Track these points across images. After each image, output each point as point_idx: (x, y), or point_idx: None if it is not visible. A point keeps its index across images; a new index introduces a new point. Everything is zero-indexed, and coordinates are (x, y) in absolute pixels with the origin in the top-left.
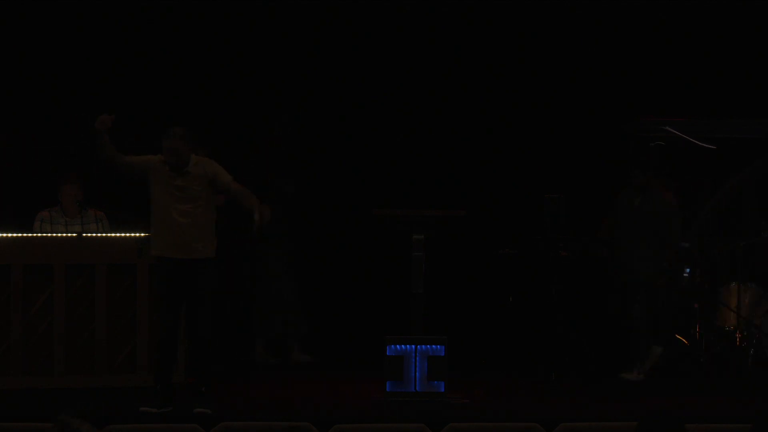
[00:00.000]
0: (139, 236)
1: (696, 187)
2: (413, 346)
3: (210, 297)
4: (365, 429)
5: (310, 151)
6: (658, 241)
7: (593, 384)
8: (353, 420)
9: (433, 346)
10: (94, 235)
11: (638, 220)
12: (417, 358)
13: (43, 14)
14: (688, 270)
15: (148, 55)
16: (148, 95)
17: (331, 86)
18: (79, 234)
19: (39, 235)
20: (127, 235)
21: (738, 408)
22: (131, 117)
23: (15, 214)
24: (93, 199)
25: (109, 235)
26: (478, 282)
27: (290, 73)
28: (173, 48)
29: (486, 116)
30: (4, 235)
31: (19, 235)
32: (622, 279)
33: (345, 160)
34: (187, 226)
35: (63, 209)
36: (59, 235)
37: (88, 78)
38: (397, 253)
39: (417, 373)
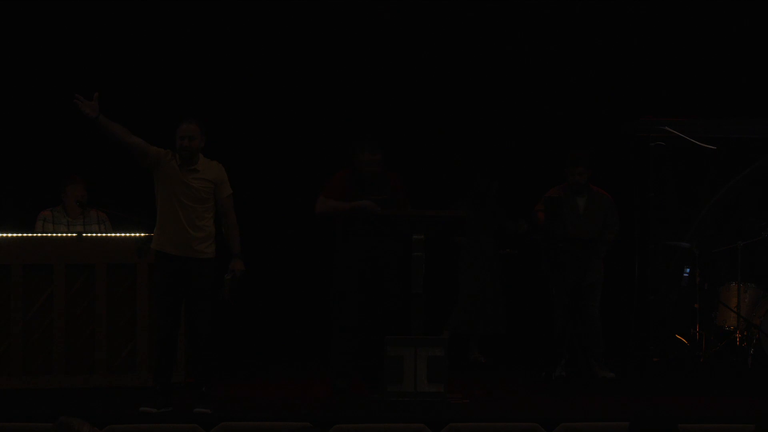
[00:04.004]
0: (139, 236)
1: (696, 187)
2: (413, 346)
3: (210, 297)
4: (365, 429)
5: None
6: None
7: (593, 384)
8: (353, 420)
9: (433, 346)
10: (94, 235)
11: (588, 222)
12: (417, 358)
13: (43, 14)
14: (688, 270)
15: (148, 55)
16: (148, 95)
17: (332, 86)
18: (79, 234)
19: (39, 235)
20: (127, 235)
21: (738, 408)
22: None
23: (16, 213)
24: (93, 199)
25: (109, 235)
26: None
27: (291, 73)
28: (173, 48)
29: (486, 116)
30: (4, 235)
31: (19, 235)
32: (571, 280)
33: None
34: (191, 224)
35: (66, 209)
36: (59, 235)
37: (88, 78)
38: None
39: (417, 373)
